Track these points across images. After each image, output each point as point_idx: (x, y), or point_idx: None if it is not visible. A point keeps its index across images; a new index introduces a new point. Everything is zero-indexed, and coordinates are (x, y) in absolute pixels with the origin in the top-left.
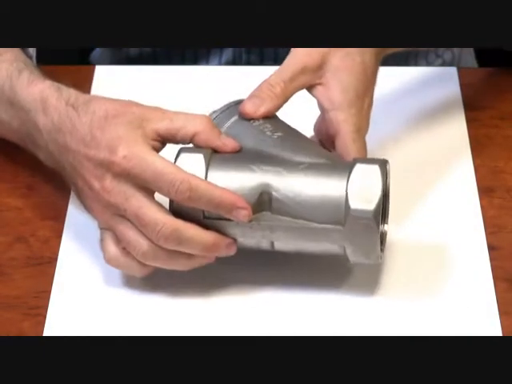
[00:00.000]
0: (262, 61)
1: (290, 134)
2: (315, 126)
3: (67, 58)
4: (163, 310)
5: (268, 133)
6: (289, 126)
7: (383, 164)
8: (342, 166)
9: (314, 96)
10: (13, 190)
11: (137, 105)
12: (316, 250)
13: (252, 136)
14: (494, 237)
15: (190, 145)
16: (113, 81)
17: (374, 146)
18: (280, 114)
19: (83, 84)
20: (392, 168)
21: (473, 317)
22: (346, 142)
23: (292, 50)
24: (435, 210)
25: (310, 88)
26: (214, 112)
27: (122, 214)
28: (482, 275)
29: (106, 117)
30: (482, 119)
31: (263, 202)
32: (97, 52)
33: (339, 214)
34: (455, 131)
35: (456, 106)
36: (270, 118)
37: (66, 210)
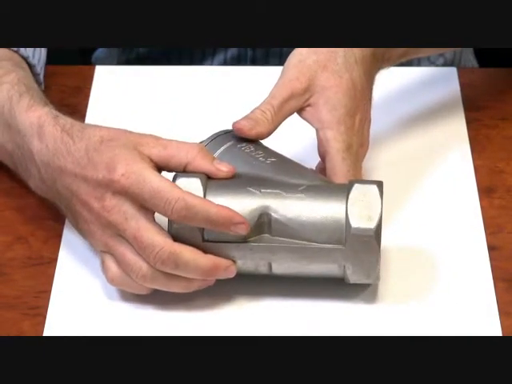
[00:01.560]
0: (267, 56)
1: (282, 160)
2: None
3: (68, 58)
4: (163, 310)
5: (261, 158)
6: (280, 154)
7: (380, 184)
8: (340, 187)
9: (304, 119)
10: (13, 189)
11: (130, 132)
12: (316, 271)
13: (245, 162)
14: (493, 237)
15: None
16: (113, 81)
17: (374, 146)
18: (278, 138)
19: (83, 84)
20: (392, 168)
21: (473, 317)
22: (335, 161)
23: (282, 71)
24: (435, 210)
25: (299, 111)
26: (202, 142)
27: (121, 235)
28: (482, 275)
29: (101, 141)
30: (482, 119)
31: (262, 224)
32: (99, 53)
33: (340, 234)
34: (455, 131)
35: (456, 105)
36: (261, 145)
37: None
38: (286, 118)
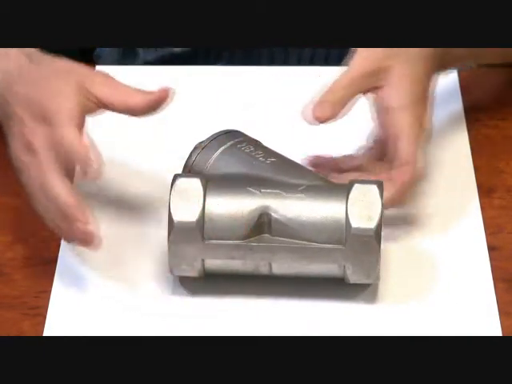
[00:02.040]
0: (272, 57)
1: (282, 160)
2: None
3: (67, 57)
4: (163, 310)
5: (261, 158)
6: (280, 154)
7: (380, 184)
8: (340, 187)
9: (374, 98)
10: (13, 189)
11: (85, 67)
12: (316, 271)
13: (245, 162)
14: (493, 237)
15: (180, 170)
16: None
17: None
18: (278, 138)
19: None
20: None
21: (473, 317)
22: (403, 143)
23: (356, 51)
24: (435, 210)
25: (371, 91)
26: (202, 142)
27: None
28: (482, 275)
29: (58, 71)
30: (482, 119)
31: (263, 224)
32: (100, 52)
33: (340, 234)
34: (455, 131)
35: (456, 106)
36: (261, 145)
37: None
38: (355, 96)
